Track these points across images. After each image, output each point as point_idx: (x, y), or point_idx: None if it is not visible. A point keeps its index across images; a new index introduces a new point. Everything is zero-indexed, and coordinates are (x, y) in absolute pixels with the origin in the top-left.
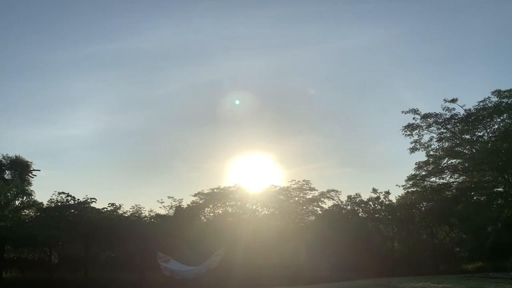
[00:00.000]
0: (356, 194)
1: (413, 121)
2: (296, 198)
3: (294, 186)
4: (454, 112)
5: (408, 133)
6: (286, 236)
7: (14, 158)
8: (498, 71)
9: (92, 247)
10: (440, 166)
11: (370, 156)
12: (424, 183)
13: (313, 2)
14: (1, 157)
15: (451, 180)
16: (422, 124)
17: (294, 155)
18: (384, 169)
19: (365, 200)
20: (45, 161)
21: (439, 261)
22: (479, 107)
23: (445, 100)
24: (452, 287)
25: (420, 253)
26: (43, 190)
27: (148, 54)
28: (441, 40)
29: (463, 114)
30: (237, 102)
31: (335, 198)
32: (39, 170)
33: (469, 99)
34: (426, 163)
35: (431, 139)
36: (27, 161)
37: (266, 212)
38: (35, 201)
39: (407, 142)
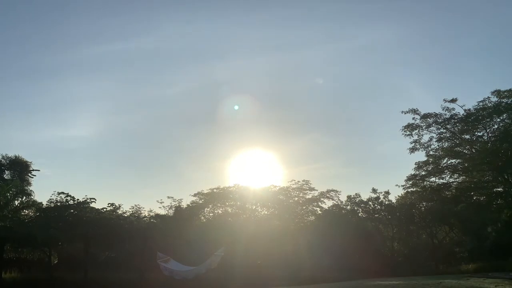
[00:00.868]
0: (355, 194)
1: (413, 121)
2: (296, 198)
3: (294, 186)
4: (454, 112)
5: (408, 133)
6: (285, 236)
7: (14, 158)
8: (498, 71)
9: (91, 247)
10: (439, 166)
11: (375, 156)
12: (423, 183)
13: (315, 3)
14: (1, 157)
15: (451, 180)
16: (422, 124)
17: (298, 155)
18: (389, 169)
19: (365, 200)
20: (47, 161)
21: (439, 261)
22: (478, 107)
23: (444, 100)
24: (453, 286)
25: (420, 253)
26: (50, 190)
27: (150, 55)
28: (441, 40)
29: (462, 114)
30: (236, 107)
31: (335, 198)
32: (39, 170)
33: (469, 99)
34: (425, 163)
35: (430, 139)
36: (26, 161)
37: (266, 212)
38: (34, 201)
39: (408, 142)
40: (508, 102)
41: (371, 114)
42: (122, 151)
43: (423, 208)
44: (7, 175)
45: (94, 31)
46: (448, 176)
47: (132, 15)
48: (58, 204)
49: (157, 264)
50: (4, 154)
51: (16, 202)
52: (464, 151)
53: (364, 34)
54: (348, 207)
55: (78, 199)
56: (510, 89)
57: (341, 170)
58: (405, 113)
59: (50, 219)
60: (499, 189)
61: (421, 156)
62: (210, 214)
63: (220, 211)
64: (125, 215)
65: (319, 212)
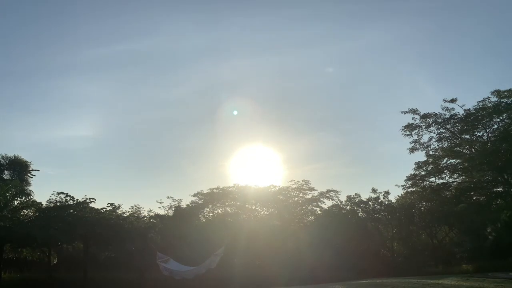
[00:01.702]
0: (355, 194)
1: (413, 121)
2: (296, 198)
3: (294, 186)
4: (454, 112)
5: (408, 133)
6: (285, 236)
7: (13, 158)
8: (498, 71)
9: (91, 247)
10: (439, 166)
11: (378, 156)
12: (423, 183)
13: (320, 4)
14: (0, 157)
15: (451, 180)
16: (422, 124)
17: (300, 155)
18: (392, 170)
19: (365, 200)
20: (50, 161)
21: (439, 261)
22: (478, 107)
23: (444, 100)
24: (452, 286)
25: (420, 253)
26: (54, 189)
27: (152, 56)
28: (442, 41)
29: (462, 114)
30: (235, 112)
31: (335, 198)
32: (38, 170)
33: (469, 99)
34: (425, 163)
35: (430, 139)
36: (26, 161)
37: (266, 212)
38: (34, 201)
39: (408, 142)
40: (508, 102)
41: (381, 113)
42: (124, 152)
43: (423, 208)
44: (6, 175)
45: (96, 32)
46: (448, 176)
47: (133, 15)
48: (58, 204)
49: (157, 264)
50: (3, 154)
51: (16, 202)
52: (464, 151)
53: (365, 35)
54: (348, 207)
55: (77, 199)
56: (510, 89)
57: (344, 170)
58: (404, 113)
59: (49, 219)
60: (498, 189)
61: (421, 156)
62: (210, 214)
63: (219, 211)
64: (125, 215)
65: (319, 212)
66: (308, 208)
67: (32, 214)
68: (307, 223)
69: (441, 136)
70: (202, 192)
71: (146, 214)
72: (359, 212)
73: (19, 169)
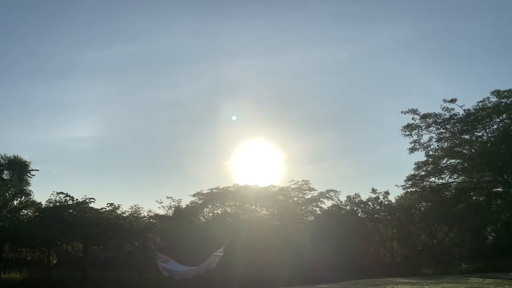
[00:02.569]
0: (355, 194)
1: (412, 121)
2: (295, 198)
3: (293, 186)
4: (453, 112)
5: (408, 133)
6: (285, 237)
7: (13, 158)
8: (497, 71)
9: (90, 247)
10: (439, 166)
11: (382, 156)
12: (423, 183)
13: (329, 4)
14: (0, 157)
15: (450, 180)
16: (421, 124)
17: (302, 155)
18: (395, 170)
19: (365, 200)
20: (53, 161)
21: (438, 262)
22: (478, 107)
23: (444, 100)
24: (452, 286)
25: (419, 253)
26: (56, 189)
27: (154, 58)
28: (442, 40)
29: (462, 114)
30: (233, 118)
31: (334, 198)
32: (38, 170)
33: (468, 99)
34: (425, 163)
35: (430, 139)
36: (25, 161)
37: (265, 212)
38: (33, 201)
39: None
40: (508, 102)
41: (387, 114)
42: (125, 152)
43: (422, 208)
44: (6, 175)
45: (97, 33)
46: (448, 176)
47: (136, 17)
48: (57, 204)
49: (156, 264)
50: (3, 154)
51: (15, 202)
52: (464, 151)
53: (365, 37)
54: (348, 207)
55: (77, 199)
56: (509, 89)
57: (347, 170)
58: (404, 113)
59: (49, 219)
60: (498, 190)
61: (420, 156)
62: (210, 214)
63: (219, 211)
64: (124, 215)
65: (319, 212)
66: (308, 208)
67: (32, 214)
68: (307, 223)
69: (441, 136)
70: (202, 192)
71: (145, 214)
72: (359, 212)
73: (18, 169)
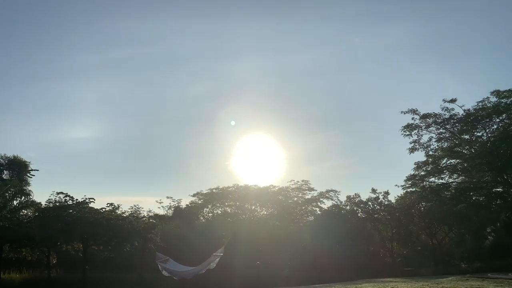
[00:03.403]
0: (355, 194)
1: (412, 121)
2: (295, 198)
3: (293, 186)
4: (453, 112)
5: (408, 133)
6: (285, 236)
7: (12, 158)
8: (497, 71)
9: (90, 247)
10: (439, 166)
11: (385, 156)
12: (423, 183)
13: (339, 4)
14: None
15: (450, 180)
16: (421, 124)
17: (303, 155)
18: (394, 169)
19: (364, 200)
20: (54, 161)
21: (438, 261)
22: (478, 107)
23: (444, 101)
24: (452, 286)
25: (419, 253)
26: (57, 189)
27: (155, 59)
28: (443, 40)
29: (462, 114)
30: (232, 123)
31: (334, 198)
32: (38, 170)
33: (468, 99)
34: (425, 163)
35: (430, 139)
36: (25, 161)
37: (265, 212)
38: (33, 201)
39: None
40: (508, 103)
41: (393, 113)
42: (125, 152)
43: (422, 208)
44: (5, 175)
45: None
46: (448, 176)
47: (138, 19)
48: (57, 204)
49: (156, 264)
50: (3, 154)
51: (15, 202)
52: (464, 151)
53: (365, 37)
54: (348, 207)
55: (77, 199)
56: (509, 90)
57: (346, 170)
58: (404, 113)
59: (49, 219)
60: (498, 190)
61: (420, 156)
62: (209, 214)
63: (219, 211)
64: (124, 215)
65: (319, 212)
66: (308, 208)
67: (32, 214)
68: (307, 223)
69: (441, 136)
70: (202, 192)
71: (145, 214)
72: (358, 212)
73: (18, 169)
